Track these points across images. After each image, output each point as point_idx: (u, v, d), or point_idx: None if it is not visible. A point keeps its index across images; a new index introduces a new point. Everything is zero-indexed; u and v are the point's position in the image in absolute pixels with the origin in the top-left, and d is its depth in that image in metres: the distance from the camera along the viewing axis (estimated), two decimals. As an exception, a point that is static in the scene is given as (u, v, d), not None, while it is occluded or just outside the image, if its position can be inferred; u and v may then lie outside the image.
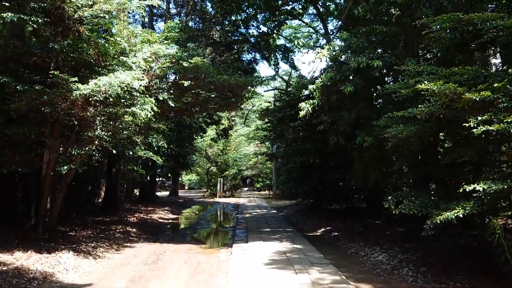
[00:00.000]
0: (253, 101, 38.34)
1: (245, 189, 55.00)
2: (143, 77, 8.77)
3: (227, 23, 21.37)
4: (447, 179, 7.44)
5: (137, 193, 21.99)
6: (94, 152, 8.14)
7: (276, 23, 19.35)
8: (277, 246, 9.33)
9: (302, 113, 9.12)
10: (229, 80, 9.81)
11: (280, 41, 22.83)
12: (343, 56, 8.16)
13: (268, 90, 30.25)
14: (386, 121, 7.53)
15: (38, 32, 8.25)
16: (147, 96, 8.96)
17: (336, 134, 9.24)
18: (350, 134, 9.41)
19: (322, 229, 12.45)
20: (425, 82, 5.68)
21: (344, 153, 11.88)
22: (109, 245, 9.38)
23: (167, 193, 32.26)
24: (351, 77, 8.57)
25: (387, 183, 11.45)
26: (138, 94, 8.79)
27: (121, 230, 11.59)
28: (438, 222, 5.11)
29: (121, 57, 8.95)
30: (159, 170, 22.25)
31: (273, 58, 22.61)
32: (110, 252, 8.79)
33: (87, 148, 7.96)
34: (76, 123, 8.10)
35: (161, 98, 9.70)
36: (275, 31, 21.00)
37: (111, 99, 8.46)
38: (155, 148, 16.58)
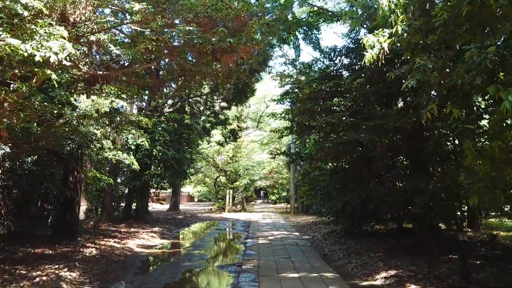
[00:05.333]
0: (266, 102, 33.73)
1: (259, 201, 50.14)
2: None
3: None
4: None
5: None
6: None
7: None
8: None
9: (370, 54, 4.38)
10: (221, 4, 5.17)
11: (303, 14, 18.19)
12: None
13: (284, 84, 25.44)
14: None
15: None
16: (52, 25, 4.37)
17: (438, 98, 4.44)
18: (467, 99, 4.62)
19: (383, 274, 7.54)
20: None
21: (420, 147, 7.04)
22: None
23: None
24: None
25: None
26: (30, 17, 4.27)
27: (49, 276, 6.97)
28: None
29: None
30: (153, 179, 17.67)
31: (292, 38, 17.96)
32: None
33: None
34: None
35: (94, 38, 5.13)
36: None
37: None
38: (132, 147, 12.05)
